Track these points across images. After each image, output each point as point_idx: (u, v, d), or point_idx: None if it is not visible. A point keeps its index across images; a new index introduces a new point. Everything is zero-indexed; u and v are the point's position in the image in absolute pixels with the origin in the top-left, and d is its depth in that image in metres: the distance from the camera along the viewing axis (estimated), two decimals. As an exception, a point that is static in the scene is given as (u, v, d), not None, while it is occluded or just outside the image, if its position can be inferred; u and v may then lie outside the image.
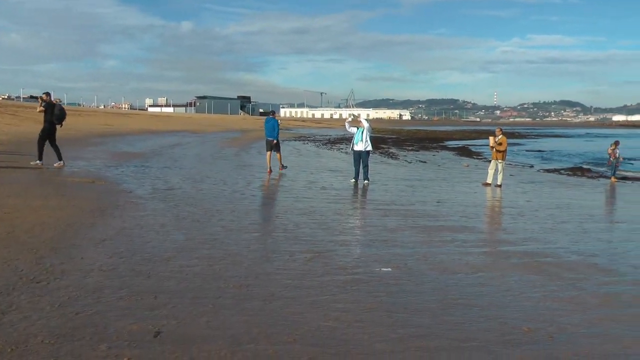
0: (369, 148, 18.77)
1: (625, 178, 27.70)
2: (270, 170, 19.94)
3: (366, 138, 18.53)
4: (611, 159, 25.57)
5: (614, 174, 25.44)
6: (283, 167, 20.81)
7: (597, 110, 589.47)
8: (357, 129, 18.71)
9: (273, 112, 22.29)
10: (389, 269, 8.04)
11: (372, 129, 19.62)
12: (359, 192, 16.87)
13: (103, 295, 6.19)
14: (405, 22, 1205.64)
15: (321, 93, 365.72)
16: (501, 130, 21.13)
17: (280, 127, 21.12)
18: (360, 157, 18.52)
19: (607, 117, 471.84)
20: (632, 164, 42.44)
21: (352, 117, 20.52)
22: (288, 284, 7.04)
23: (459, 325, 5.98)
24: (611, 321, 6.43)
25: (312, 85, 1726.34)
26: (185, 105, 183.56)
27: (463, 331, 5.82)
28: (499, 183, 19.96)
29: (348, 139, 23.45)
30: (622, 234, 12.47)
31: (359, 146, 18.55)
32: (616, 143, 25.67)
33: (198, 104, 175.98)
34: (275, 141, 20.42)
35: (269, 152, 20.64)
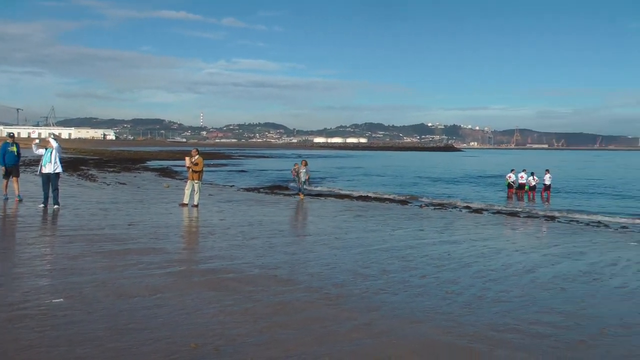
0: (59, 170, 17.83)
1: (319, 195, 30.42)
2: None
3: (55, 159, 17.59)
4: (294, 177, 27.92)
5: (300, 191, 27.51)
6: None
7: (300, 132, 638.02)
8: (46, 149, 17.66)
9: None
10: (61, 300, 7.68)
11: (64, 149, 18.67)
12: (48, 217, 15.84)
13: None
14: (110, 37, 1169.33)
15: (17, 109, 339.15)
16: (197, 151, 21.59)
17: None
18: (50, 180, 17.54)
19: (309, 138, 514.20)
20: (334, 181, 46.90)
21: (38, 140, 19.25)
22: None
23: (125, 351, 5.94)
24: (279, 327, 6.96)
25: (6, 99, 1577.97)
26: None
27: (128, 356, 5.77)
28: (195, 203, 20.36)
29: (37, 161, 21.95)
30: (306, 245, 13.57)
31: (48, 168, 17.56)
32: (303, 163, 27.88)
33: None
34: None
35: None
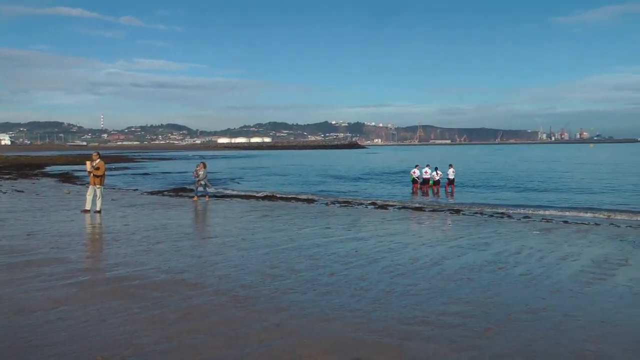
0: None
1: (225, 196, 30.12)
2: None
3: None
4: (194, 178, 27.34)
5: (199, 193, 26.87)
6: None
7: (203, 133, 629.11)
8: None
9: None
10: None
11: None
12: None
13: None
14: (2, 34, 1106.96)
15: None
16: (98, 154, 20.86)
17: None
18: None
19: (213, 139, 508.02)
20: (238, 182, 46.50)
21: None
22: None
23: (26, 367, 5.65)
24: (188, 333, 6.85)
25: None
26: None
27: (30, 372, 5.51)
28: (98, 209, 19.73)
29: None
30: (213, 248, 13.40)
31: None
32: (202, 165, 27.32)
33: None
34: None
35: None
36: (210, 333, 6.90)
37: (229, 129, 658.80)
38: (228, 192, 34.56)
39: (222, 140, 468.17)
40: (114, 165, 69.29)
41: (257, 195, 31.61)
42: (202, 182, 26.97)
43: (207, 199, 26.53)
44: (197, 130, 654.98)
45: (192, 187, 31.00)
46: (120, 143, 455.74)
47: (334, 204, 26.85)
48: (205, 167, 27.33)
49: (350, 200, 29.70)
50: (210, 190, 28.48)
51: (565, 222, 19.77)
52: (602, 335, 7.07)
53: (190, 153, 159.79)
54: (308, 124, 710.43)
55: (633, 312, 8.18)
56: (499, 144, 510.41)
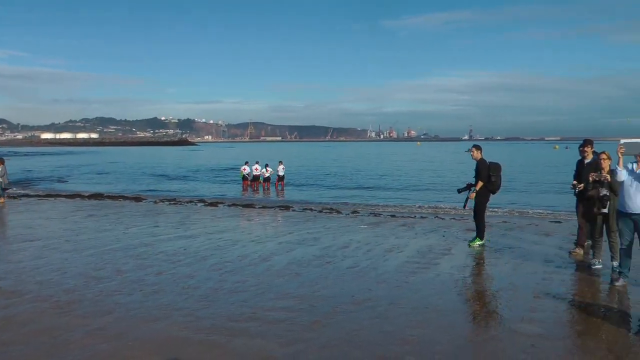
0: None
1: (49, 195, 28.56)
2: None
3: None
4: None
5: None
6: None
7: (26, 127, 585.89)
8: None
9: None
10: None
11: None
12: None
13: None
14: None
15: None
16: None
17: None
18: None
19: (36, 134, 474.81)
20: (63, 181, 43.99)
21: None
22: None
23: None
24: (4, 346, 6.50)
25: None
26: None
27: None
28: None
29: None
30: (34, 251, 12.63)
31: None
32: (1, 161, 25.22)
33: None
34: None
35: None
36: (29, 343, 6.56)
37: (53, 124, 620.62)
38: (52, 192, 32.64)
39: (46, 135, 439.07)
40: None
41: (83, 194, 30.12)
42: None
43: (1, 201, 24.35)
44: (19, 124, 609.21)
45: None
46: None
47: (162, 201, 26.30)
48: (3, 163, 25.16)
49: (179, 197, 29.26)
50: (9, 190, 26.25)
51: (393, 216, 20.79)
52: (424, 321, 7.57)
53: (9, 149, 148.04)
54: (137, 120, 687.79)
55: (453, 297, 8.85)
56: (329, 141, 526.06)
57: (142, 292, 8.97)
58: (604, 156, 10.42)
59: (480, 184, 13.04)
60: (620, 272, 9.57)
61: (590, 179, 10.50)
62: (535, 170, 57.13)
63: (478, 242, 13.31)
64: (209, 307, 8.13)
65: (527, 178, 45.26)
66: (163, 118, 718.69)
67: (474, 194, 13.15)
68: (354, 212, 22.36)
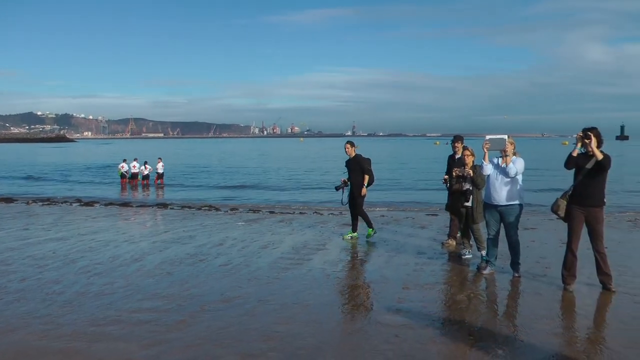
0: None
1: None
2: None
3: None
4: None
5: None
6: None
7: None
8: None
9: None
10: None
11: None
12: None
13: None
14: None
15: None
16: None
17: None
18: None
19: None
20: None
21: None
22: None
23: None
24: None
25: None
26: None
27: None
28: None
29: None
30: None
31: None
32: None
33: None
34: None
35: None
36: None
37: None
38: None
39: None
40: None
41: (-55, 196, 28.09)
42: None
43: None
44: None
45: None
46: None
47: (35, 202, 25.01)
48: None
49: (53, 198, 27.94)
50: None
51: (272, 212, 20.85)
52: (291, 316, 7.59)
53: None
54: (10, 115, 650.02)
55: (322, 292, 8.92)
56: (212, 137, 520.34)
57: (3, 300, 8.44)
58: (467, 152, 10.96)
59: (367, 178, 13.43)
60: (487, 261, 10.09)
61: (454, 174, 11.03)
62: (418, 166, 59.63)
63: (372, 232, 13.93)
64: (72, 313, 7.77)
65: (410, 175, 46.93)
66: (39, 113, 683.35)
67: (365, 189, 13.54)
68: (233, 209, 22.24)
